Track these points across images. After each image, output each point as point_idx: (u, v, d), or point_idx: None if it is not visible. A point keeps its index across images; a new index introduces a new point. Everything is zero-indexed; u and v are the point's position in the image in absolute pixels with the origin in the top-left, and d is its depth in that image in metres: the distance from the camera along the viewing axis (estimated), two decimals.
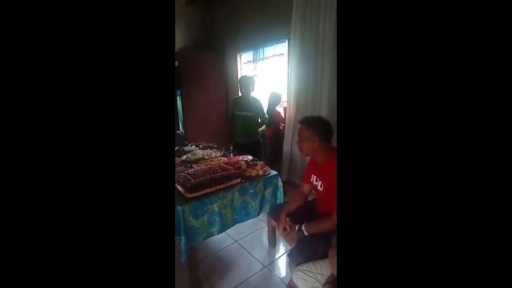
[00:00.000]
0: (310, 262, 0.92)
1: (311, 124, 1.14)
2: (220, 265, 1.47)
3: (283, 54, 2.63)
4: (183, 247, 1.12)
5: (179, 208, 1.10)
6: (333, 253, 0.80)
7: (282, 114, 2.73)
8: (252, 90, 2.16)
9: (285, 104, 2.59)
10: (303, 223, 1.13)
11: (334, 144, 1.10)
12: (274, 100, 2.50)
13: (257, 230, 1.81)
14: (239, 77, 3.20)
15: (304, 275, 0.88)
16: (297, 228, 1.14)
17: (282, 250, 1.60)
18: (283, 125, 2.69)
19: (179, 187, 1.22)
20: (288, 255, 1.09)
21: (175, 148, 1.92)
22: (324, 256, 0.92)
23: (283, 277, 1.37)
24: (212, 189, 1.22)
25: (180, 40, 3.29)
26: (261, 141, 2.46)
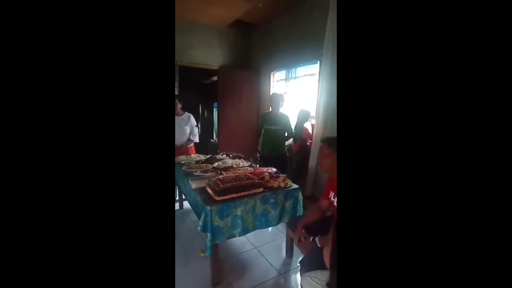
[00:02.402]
0: (319, 270, 1.00)
1: (332, 143, 1.24)
2: (239, 267, 1.59)
3: (314, 74, 2.75)
4: (209, 243, 1.28)
5: (207, 208, 1.27)
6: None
7: (310, 131, 2.81)
8: (281, 106, 2.32)
9: (313, 121, 2.68)
10: (318, 235, 1.21)
11: None
12: (303, 117, 2.63)
13: (276, 240, 1.90)
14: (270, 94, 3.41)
15: (312, 280, 0.97)
16: (311, 239, 1.23)
17: (298, 262, 1.66)
18: (310, 141, 2.77)
19: (209, 190, 1.41)
20: (300, 262, 1.18)
21: (208, 156, 2.16)
22: None
23: (296, 286, 1.44)
24: (237, 195, 1.38)
25: (221, 58, 3.67)
26: (287, 155, 2.57)
